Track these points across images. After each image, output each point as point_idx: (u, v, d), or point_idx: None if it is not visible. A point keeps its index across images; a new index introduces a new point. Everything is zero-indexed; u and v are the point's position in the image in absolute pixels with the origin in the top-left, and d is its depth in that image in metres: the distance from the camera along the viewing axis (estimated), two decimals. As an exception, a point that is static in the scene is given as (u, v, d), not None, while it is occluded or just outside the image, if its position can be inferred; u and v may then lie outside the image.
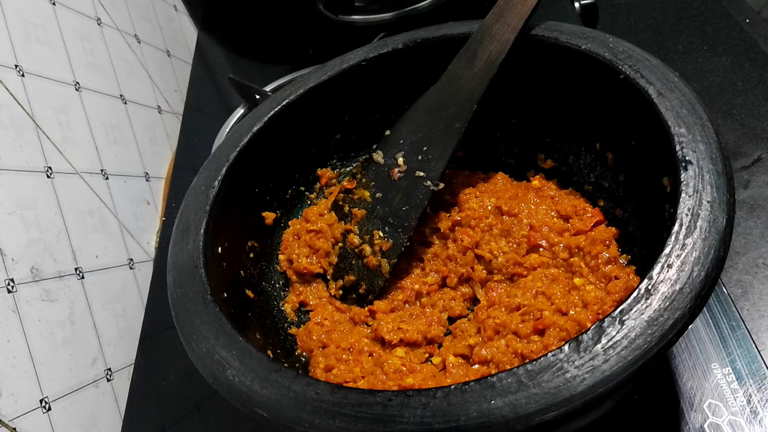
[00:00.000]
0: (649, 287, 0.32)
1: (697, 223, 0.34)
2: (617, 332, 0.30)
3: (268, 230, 0.55)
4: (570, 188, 0.53)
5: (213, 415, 0.57)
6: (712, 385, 0.44)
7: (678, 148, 0.37)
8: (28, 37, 0.66)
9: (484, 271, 0.50)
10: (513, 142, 0.57)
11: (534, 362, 0.30)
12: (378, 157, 0.55)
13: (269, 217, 0.55)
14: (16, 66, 0.62)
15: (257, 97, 0.79)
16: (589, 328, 0.31)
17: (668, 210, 0.39)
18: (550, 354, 0.30)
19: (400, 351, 0.46)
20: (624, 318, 0.31)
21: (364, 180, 0.55)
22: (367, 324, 0.50)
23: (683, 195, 0.35)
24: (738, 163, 0.62)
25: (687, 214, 0.34)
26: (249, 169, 0.51)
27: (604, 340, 0.30)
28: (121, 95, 0.81)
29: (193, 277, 0.42)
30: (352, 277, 0.52)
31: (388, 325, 0.48)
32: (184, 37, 1.08)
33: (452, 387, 0.31)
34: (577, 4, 0.78)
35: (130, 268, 0.72)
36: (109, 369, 0.63)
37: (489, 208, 0.51)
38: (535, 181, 0.54)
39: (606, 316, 0.31)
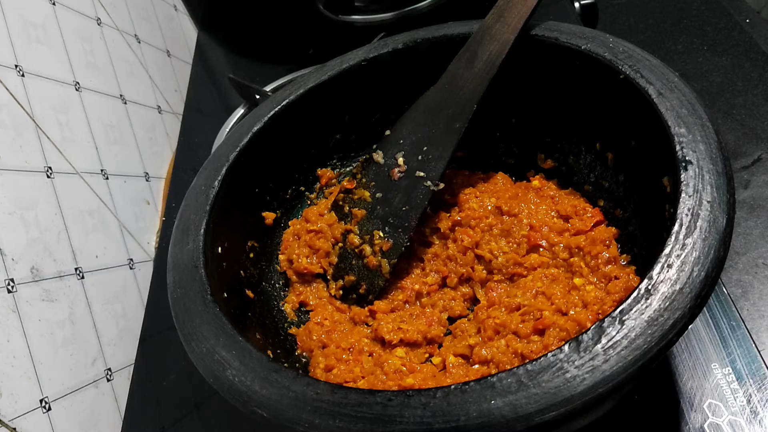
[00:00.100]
0: (649, 287, 0.32)
1: (697, 223, 0.34)
2: (617, 332, 0.30)
3: (268, 230, 0.55)
4: (570, 188, 0.53)
5: (213, 415, 0.57)
6: (712, 385, 0.44)
7: (678, 148, 0.37)
8: (28, 37, 0.66)
9: (484, 271, 0.50)
10: (513, 142, 0.57)
11: (534, 362, 0.30)
12: (378, 157, 0.55)
13: (269, 217, 0.55)
14: (16, 66, 0.62)
15: (257, 97, 0.79)
16: (589, 328, 0.31)
17: (668, 210, 0.39)
18: (550, 354, 0.30)
19: (400, 351, 0.46)
20: (624, 318, 0.31)
21: (364, 180, 0.55)
22: (367, 324, 0.50)
23: (683, 195, 0.35)
24: (738, 163, 0.62)
25: (687, 214, 0.34)
26: (249, 169, 0.51)
27: (604, 340, 0.30)
28: (121, 95, 0.81)
29: (193, 277, 0.42)
30: (352, 277, 0.52)
31: (388, 325, 0.48)
32: (184, 37, 1.08)
33: (452, 387, 0.31)
34: (577, 4, 0.78)
35: (130, 268, 0.72)
36: (109, 369, 0.63)
37: (489, 208, 0.51)
38: (535, 181, 0.54)
39: (606, 316, 0.31)
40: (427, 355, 0.47)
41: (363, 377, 0.44)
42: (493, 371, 0.42)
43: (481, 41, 0.50)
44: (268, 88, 0.81)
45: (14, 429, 0.49)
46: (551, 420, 0.29)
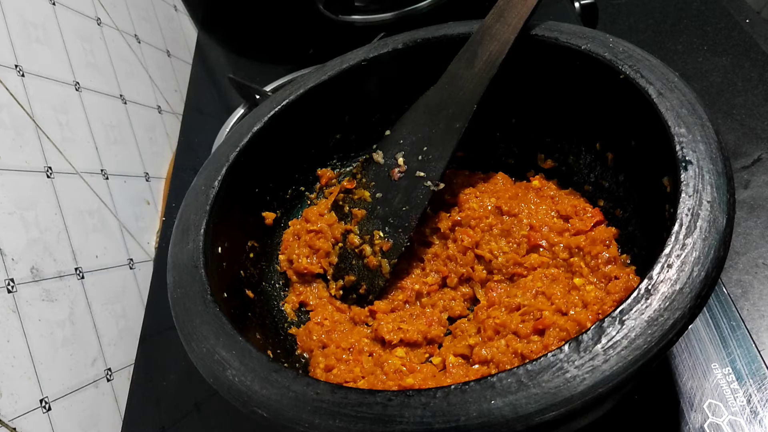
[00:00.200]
0: (649, 287, 0.32)
1: (697, 223, 0.34)
2: (617, 332, 0.30)
3: (268, 230, 0.55)
4: (570, 188, 0.53)
5: (213, 415, 0.57)
6: (712, 385, 0.44)
7: (678, 148, 0.37)
8: (28, 37, 0.66)
9: (484, 271, 0.50)
10: (513, 142, 0.57)
11: (534, 362, 0.30)
12: (378, 157, 0.55)
13: (269, 217, 0.55)
14: (16, 66, 0.62)
15: (257, 97, 0.79)
16: (589, 328, 0.31)
17: (668, 210, 0.39)
18: (550, 354, 0.30)
19: (400, 351, 0.46)
20: (624, 318, 0.31)
21: (364, 180, 0.55)
22: (367, 324, 0.50)
23: (683, 195, 0.35)
24: (738, 163, 0.62)
25: (687, 214, 0.34)
26: (249, 169, 0.51)
27: (604, 340, 0.30)
28: (121, 95, 0.81)
29: (193, 277, 0.42)
30: (352, 278, 0.52)
31: (389, 325, 0.48)
32: (184, 37, 1.08)
33: (452, 387, 0.31)
34: (577, 4, 0.78)
35: (130, 268, 0.72)
36: (109, 369, 0.63)
37: (489, 208, 0.51)
38: (535, 181, 0.54)
39: (606, 316, 0.31)
40: (427, 355, 0.47)
41: (363, 377, 0.44)
42: (493, 371, 0.42)
43: (481, 41, 0.50)
44: (268, 88, 0.81)
45: (14, 429, 0.49)
46: (551, 420, 0.29)
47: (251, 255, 0.52)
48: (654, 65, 0.43)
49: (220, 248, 0.47)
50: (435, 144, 0.51)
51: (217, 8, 1.08)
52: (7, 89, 0.60)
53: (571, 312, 0.43)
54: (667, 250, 0.33)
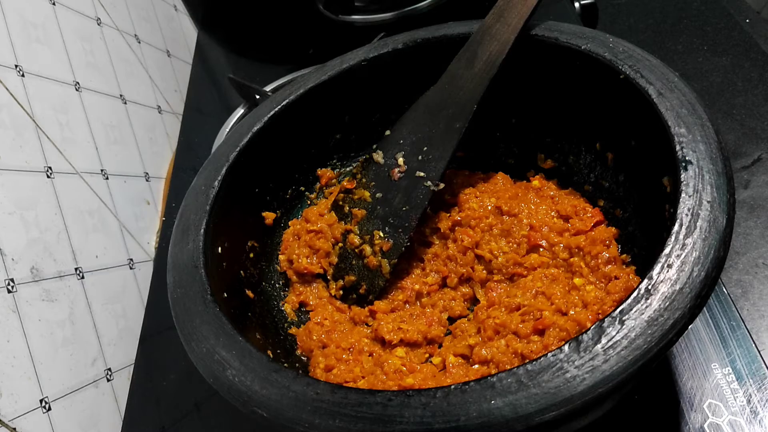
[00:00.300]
0: (649, 287, 0.32)
1: (697, 223, 0.34)
2: (617, 332, 0.30)
3: (268, 230, 0.55)
4: (570, 188, 0.53)
5: (213, 415, 0.57)
6: (712, 385, 0.44)
7: (678, 148, 0.37)
8: (28, 37, 0.66)
9: (484, 271, 0.50)
10: (513, 142, 0.57)
11: (534, 362, 0.30)
12: (378, 157, 0.55)
13: (269, 217, 0.55)
14: (16, 66, 0.62)
15: (257, 97, 0.79)
16: (589, 328, 0.31)
17: (668, 210, 0.39)
18: (550, 354, 0.30)
19: (400, 351, 0.46)
20: (624, 318, 0.31)
21: (364, 180, 0.55)
22: (367, 324, 0.50)
23: (683, 195, 0.35)
24: (738, 163, 0.62)
25: (687, 214, 0.34)
26: (249, 169, 0.51)
27: (604, 340, 0.30)
28: (121, 95, 0.81)
29: (193, 277, 0.42)
30: (352, 278, 0.52)
31: (389, 325, 0.48)
32: (184, 37, 1.08)
33: (452, 387, 0.31)
34: (577, 4, 0.78)
35: (130, 268, 0.72)
36: (109, 369, 0.63)
37: (489, 208, 0.51)
38: (535, 181, 0.54)
39: (606, 316, 0.31)
40: (427, 355, 0.47)
41: (363, 377, 0.44)
42: (493, 371, 0.42)
43: (481, 41, 0.50)
44: (268, 88, 0.81)
45: (14, 429, 0.49)
46: (551, 420, 0.29)
47: (251, 255, 0.52)
48: (654, 65, 0.43)
49: (220, 248, 0.47)
50: (435, 144, 0.51)
51: (217, 8, 1.08)
52: (7, 89, 0.60)
53: (571, 312, 0.43)
54: (667, 250, 0.33)
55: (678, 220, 0.34)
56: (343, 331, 0.49)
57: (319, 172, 0.59)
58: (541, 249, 0.49)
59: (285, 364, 0.45)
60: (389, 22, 0.84)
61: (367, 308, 0.51)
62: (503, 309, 0.45)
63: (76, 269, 0.62)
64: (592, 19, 0.79)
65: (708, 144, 0.37)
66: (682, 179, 0.36)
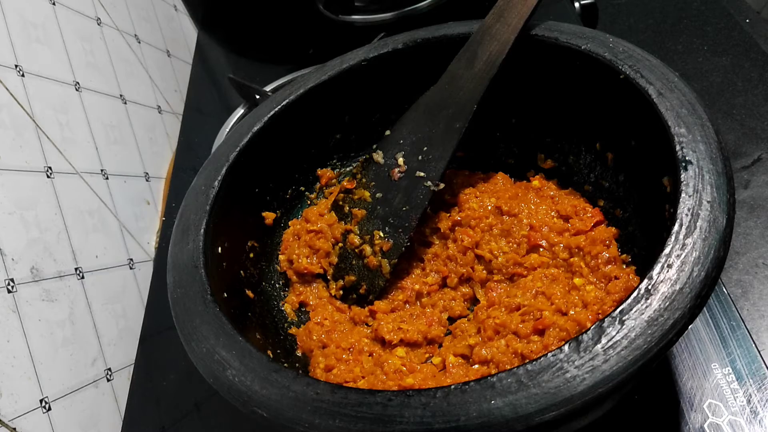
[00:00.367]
0: (649, 287, 0.32)
1: (697, 223, 0.34)
2: (617, 332, 0.30)
3: (268, 230, 0.55)
4: (570, 188, 0.53)
5: (213, 415, 0.57)
6: (712, 385, 0.44)
7: (678, 148, 0.37)
8: (28, 37, 0.66)
9: (484, 271, 0.50)
10: (513, 142, 0.57)
11: (534, 362, 0.30)
12: (378, 157, 0.55)
13: (269, 217, 0.55)
14: (16, 66, 0.62)
15: (257, 97, 0.79)
16: (589, 328, 0.31)
17: (668, 210, 0.39)
18: (550, 354, 0.30)
19: (400, 351, 0.46)
20: (624, 318, 0.31)
21: (364, 180, 0.55)
22: (367, 324, 0.50)
23: (683, 195, 0.35)
24: (738, 163, 0.62)
25: (687, 214, 0.34)
26: (249, 169, 0.51)
27: (604, 340, 0.30)
28: (121, 95, 0.81)
29: (193, 277, 0.42)
30: (352, 278, 0.52)
31: (389, 325, 0.48)
32: (184, 37, 1.08)
33: (452, 387, 0.31)
34: (577, 4, 0.78)
35: (130, 268, 0.72)
36: (109, 369, 0.63)
37: (489, 208, 0.51)
38: (535, 181, 0.54)
39: (606, 316, 0.31)
40: (427, 355, 0.47)
41: (363, 377, 0.44)
42: (493, 371, 0.42)
43: (481, 41, 0.50)
44: (268, 88, 0.81)
45: (14, 429, 0.49)
46: (551, 420, 0.29)
47: (251, 255, 0.52)
48: (654, 65, 0.43)
49: (220, 248, 0.47)
50: (435, 144, 0.51)
51: (217, 8, 1.08)
52: (7, 89, 0.60)
53: (571, 312, 0.43)
54: (667, 250, 0.33)
55: (678, 220, 0.34)
56: (343, 331, 0.49)
57: (319, 172, 0.59)
58: (541, 249, 0.49)
59: (285, 364, 0.45)
60: (389, 22, 0.84)
61: (367, 308, 0.51)
62: (503, 309, 0.45)
63: (76, 269, 0.62)
64: (592, 19, 0.79)
65: (708, 144, 0.37)
66: (682, 179, 0.36)
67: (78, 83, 0.72)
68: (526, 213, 0.50)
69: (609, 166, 0.50)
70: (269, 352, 0.45)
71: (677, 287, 0.31)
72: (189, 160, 0.83)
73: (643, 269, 0.41)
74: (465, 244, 0.50)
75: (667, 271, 0.32)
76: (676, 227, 0.34)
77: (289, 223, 0.57)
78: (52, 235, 0.60)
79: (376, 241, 0.52)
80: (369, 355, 0.46)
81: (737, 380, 0.44)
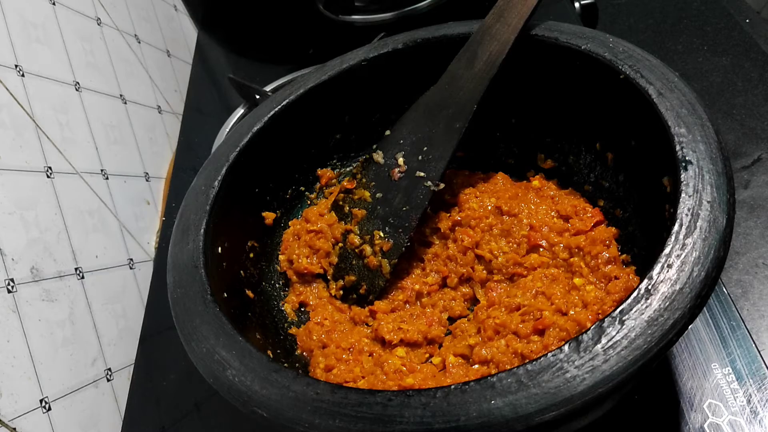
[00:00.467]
0: (649, 287, 0.32)
1: (697, 223, 0.34)
2: (617, 332, 0.30)
3: (268, 230, 0.55)
4: (570, 188, 0.53)
5: (213, 415, 0.57)
6: (712, 385, 0.44)
7: (678, 148, 0.37)
8: (28, 37, 0.66)
9: (484, 271, 0.50)
10: (513, 142, 0.57)
11: (534, 362, 0.30)
12: (378, 157, 0.55)
13: (269, 217, 0.55)
14: (16, 66, 0.62)
15: (257, 97, 0.79)
16: (589, 328, 0.31)
17: (668, 210, 0.39)
18: (550, 354, 0.30)
19: (400, 351, 0.46)
20: (624, 318, 0.31)
21: (364, 180, 0.55)
22: (367, 324, 0.50)
23: (683, 195, 0.35)
24: (738, 163, 0.62)
25: (687, 214, 0.34)
26: (249, 169, 0.51)
27: (604, 340, 0.30)
28: (121, 95, 0.81)
29: (193, 277, 0.42)
30: (352, 278, 0.52)
31: (389, 325, 0.48)
32: (184, 37, 1.08)
33: (452, 387, 0.31)
34: (577, 4, 0.78)
35: (130, 268, 0.72)
36: (109, 369, 0.63)
37: (489, 208, 0.51)
38: (535, 181, 0.54)
39: (606, 316, 0.31)
40: (427, 355, 0.47)
41: (363, 377, 0.44)
42: (493, 371, 0.42)
43: (481, 41, 0.50)
44: (268, 88, 0.81)
45: (14, 429, 0.49)
46: (551, 420, 0.29)
47: (251, 255, 0.52)
48: (654, 65, 0.43)
49: (220, 248, 0.47)
50: (435, 144, 0.51)
51: (217, 8, 1.08)
52: (7, 89, 0.60)
53: (571, 312, 0.43)
54: (667, 250, 0.33)
55: (678, 220, 0.34)
56: (343, 331, 0.49)
57: (319, 172, 0.59)
58: (541, 249, 0.49)
59: (285, 364, 0.45)
60: (389, 22, 0.84)
61: (367, 308, 0.51)
62: (503, 309, 0.45)
63: (76, 269, 0.62)
64: (592, 19, 0.79)
65: (708, 144, 0.37)
66: (682, 179, 0.36)
67: (78, 83, 0.72)
68: (526, 213, 0.50)
69: (609, 166, 0.50)
70: (269, 352, 0.45)
71: (677, 287, 0.31)
72: (189, 160, 0.83)
73: (643, 269, 0.41)
74: (465, 244, 0.50)
75: (667, 271, 0.32)
76: (676, 227, 0.34)
77: (289, 223, 0.57)
78: (52, 235, 0.60)
79: (376, 241, 0.52)
80: (369, 355, 0.46)
81: (737, 380, 0.44)
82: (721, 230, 0.33)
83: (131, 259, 0.72)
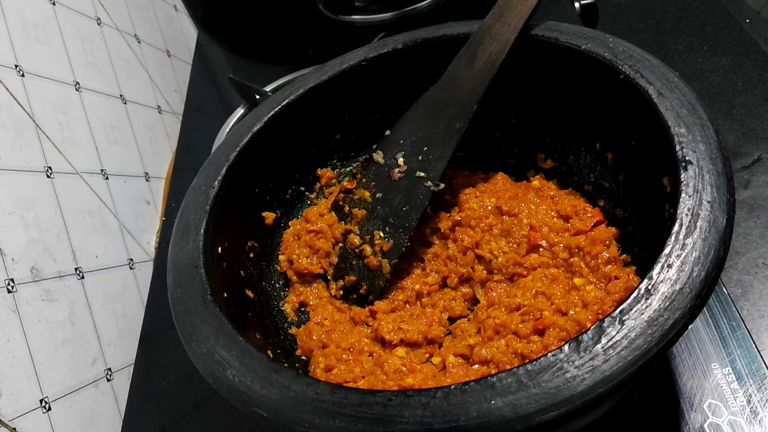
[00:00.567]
0: (649, 287, 0.32)
1: (697, 223, 0.34)
2: (617, 332, 0.30)
3: (268, 230, 0.55)
4: (570, 188, 0.53)
5: (213, 415, 0.57)
6: (712, 385, 0.44)
7: (678, 148, 0.37)
8: (28, 37, 0.66)
9: (484, 271, 0.50)
10: (513, 142, 0.57)
11: (534, 362, 0.30)
12: (378, 157, 0.55)
13: (269, 217, 0.55)
14: (16, 66, 0.62)
15: (257, 97, 0.79)
16: (589, 328, 0.31)
17: (668, 210, 0.39)
18: (550, 354, 0.30)
19: (400, 351, 0.46)
20: (624, 318, 0.31)
21: (364, 180, 0.55)
22: (367, 324, 0.50)
23: (683, 195, 0.35)
24: (738, 163, 0.62)
25: (687, 214, 0.34)
26: (249, 169, 0.51)
27: (604, 340, 0.30)
28: (121, 95, 0.81)
29: (193, 277, 0.42)
30: (352, 278, 0.52)
31: (389, 325, 0.48)
32: (184, 37, 1.08)
33: (452, 387, 0.31)
34: (577, 4, 0.78)
35: (130, 268, 0.72)
36: (109, 369, 0.63)
37: (489, 208, 0.51)
38: (535, 181, 0.54)
39: (606, 316, 0.31)
40: (427, 355, 0.47)
41: (363, 377, 0.44)
42: (493, 371, 0.42)
43: (481, 41, 0.50)
44: (268, 88, 0.81)
45: (14, 429, 0.49)
46: (551, 420, 0.29)
47: (251, 255, 0.52)
48: (654, 65, 0.43)
49: (220, 248, 0.47)
50: (435, 144, 0.51)
51: (217, 8, 1.08)
52: (7, 89, 0.60)
53: (571, 312, 0.43)
54: (667, 250, 0.33)
55: (678, 220, 0.34)
56: (343, 331, 0.49)
57: (319, 172, 0.59)
58: (541, 249, 0.49)
59: (285, 364, 0.45)
60: (389, 22, 0.84)
61: (367, 308, 0.51)
62: (503, 309, 0.45)
63: (76, 269, 0.62)
64: (592, 19, 0.79)
65: (708, 144, 0.37)
66: (682, 179, 0.36)
67: (78, 83, 0.72)
68: (526, 213, 0.50)
69: (609, 166, 0.50)
70: (269, 352, 0.45)
71: (677, 287, 0.31)
72: (189, 160, 0.83)
73: (643, 269, 0.41)
74: (465, 244, 0.50)
75: (667, 271, 0.32)
76: (676, 227, 0.34)
77: (289, 223, 0.57)
78: (52, 235, 0.60)
79: (376, 241, 0.52)
80: (369, 355, 0.46)
81: (737, 380, 0.44)
82: (721, 230, 0.33)
83: (131, 259, 0.72)
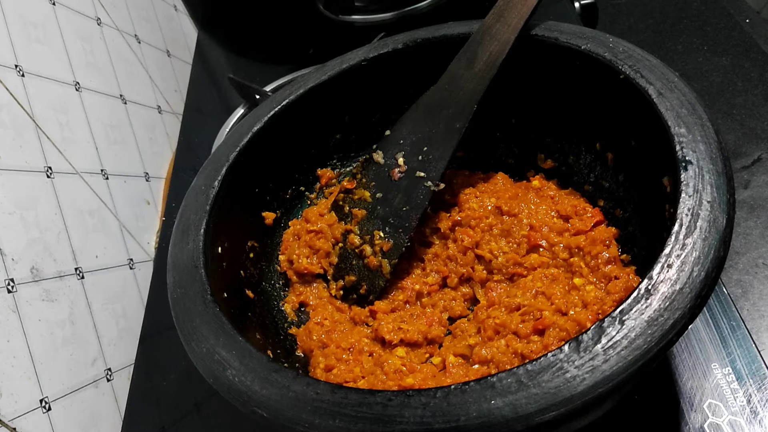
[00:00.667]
0: (649, 287, 0.32)
1: (697, 223, 0.34)
2: (617, 332, 0.30)
3: (268, 230, 0.55)
4: (570, 188, 0.53)
5: (213, 415, 0.57)
6: (712, 385, 0.44)
7: (678, 148, 0.37)
8: (28, 37, 0.66)
9: (484, 271, 0.50)
10: (513, 142, 0.57)
11: (534, 362, 0.30)
12: (378, 157, 0.55)
13: (269, 217, 0.55)
14: (16, 66, 0.62)
15: (257, 97, 0.79)
16: (589, 328, 0.31)
17: (668, 210, 0.39)
18: (550, 354, 0.30)
19: (400, 351, 0.46)
20: (624, 318, 0.31)
21: (364, 180, 0.55)
22: (367, 324, 0.50)
23: (683, 195, 0.35)
24: (738, 163, 0.62)
25: (687, 214, 0.34)
26: (249, 169, 0.51)
27: (604, 340, 0.30)
28: (121, 95, 0.81)
29: (193, 277, 0.42)
30: (352, 278, 0.52)
31: (389, 325, 0.48)
32: (184, 37, 1.08)
33: (452, 387, 0.31)
34: (577, 4, 0.78)
35: (130, 268, 0.72)
36: (109, 369, 0.63)
37: (489, 208, 0.51)
38: (535, 181, 0.54)
39: (606, 316, 0.31)
40: (427, 355, 0.47)
41: (363, 377, 0.44)
42: (493, 371, 0.42)
43: (481, 41, 0.50)
44: (268, 88, 0.81)
45: (14, 429, 0.49)
46: (551, 420, 0.29)
47: (251, 255, 0.52)
48: (654, 65, 0.43)
49: (220, 248, 0.47)
50: (435, 144, 0.51)
51: (217, 8, 1.08)
52: (7, 89, 0.60)
53: (571, 312, 0.43)
54: (667, 250, 0.33)
55: (678, 220, 0.34)
56: (343, 331, 0.49)
57: (319, 172, 0.59)
58: (541, 249, 0.49)
59: (285, 364, 0.45)
60: (389, 22, 0.84)
61: (367, 308, 0.51)
62: (503, 309, 0.45)
63: (76, 269, 0.62)
64: (592, 19, 0.79)
65: (708, 144, 0.37)
66: (682, 179, 0.36)
67: (78, 83, 0.72)
68: (526, 213, 0.50)
69: (609, 166, 0.50)
70: (269, 352, 0.45)
71: (677, 287, 0.31)
72: (189, 160, 0.83)
73: (643, 269, 0.41)
74: (465, 244, 0.50)
75: (667, 271, 0.32)
76: (676, 227, 0.34)
77: (289, 223, 0.57)
78: (52, 235, 0.60)
79: (377, 241, 0.52)
80: (369, 355, 0.46)
81: (737, 380, 0.44)
82: (721, 230, 0.33)
83: (131, 259, 0.72)
